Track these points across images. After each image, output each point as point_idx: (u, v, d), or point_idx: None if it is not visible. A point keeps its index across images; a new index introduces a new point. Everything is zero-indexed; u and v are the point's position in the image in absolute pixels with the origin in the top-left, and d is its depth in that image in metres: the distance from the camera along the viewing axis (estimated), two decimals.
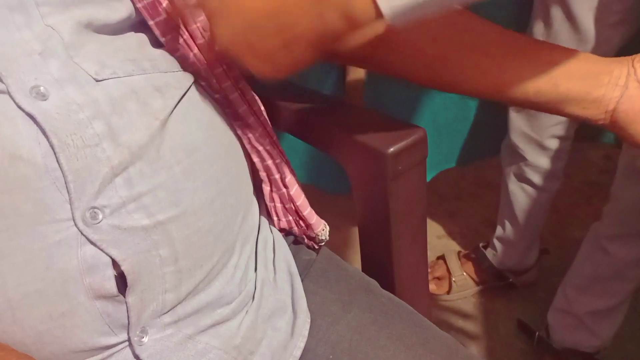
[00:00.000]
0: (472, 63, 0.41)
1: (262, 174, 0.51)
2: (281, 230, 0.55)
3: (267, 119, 0.49)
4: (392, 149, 0.47)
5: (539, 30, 0.85)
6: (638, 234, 0.82)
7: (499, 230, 1.10)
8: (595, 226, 0.89)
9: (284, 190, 0.51)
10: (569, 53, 0.40)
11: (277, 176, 0.50)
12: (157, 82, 0.40)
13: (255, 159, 0.49)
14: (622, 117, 0.38)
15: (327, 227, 0.54)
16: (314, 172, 1.20)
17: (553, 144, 0.94)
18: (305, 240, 0.55)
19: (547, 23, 0.83)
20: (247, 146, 0.49)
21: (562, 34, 0.81)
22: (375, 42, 0.42)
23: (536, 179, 0.99)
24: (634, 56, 0.39)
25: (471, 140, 1.19)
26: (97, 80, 0.36)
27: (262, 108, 0.49)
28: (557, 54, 0.40)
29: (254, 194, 0.52)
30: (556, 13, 0.81)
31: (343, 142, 0.51)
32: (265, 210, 0.54)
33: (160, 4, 0.41)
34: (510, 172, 1.03)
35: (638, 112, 0.38)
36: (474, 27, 0.42)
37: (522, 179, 1.01)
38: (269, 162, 0.49)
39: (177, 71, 0.43)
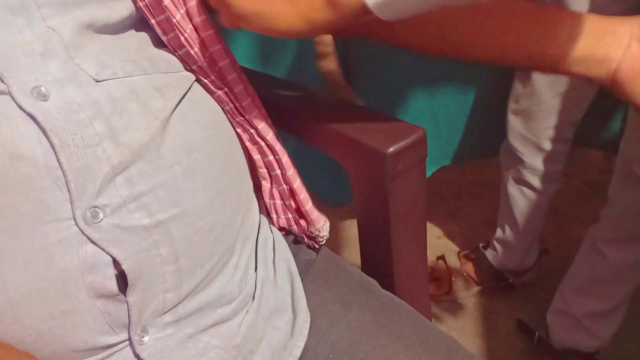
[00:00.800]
0: (476, 26, 0.42)
1: (263, 171, 0.51)
2: (280, 229, 0.55)
3: (267, 113, 0.49)
4: (392, 149, 0.47)
5: None
6: (634, 237, 0.82)
7: (498, 232, 1.10)
8: (593, 229, 0.89)
9: (285, 186, 0.51)
10: (572, 14, 0.40)
11: (278, 172, 0.50)
12: (157, 83, 0.40)
13: (256, 156, 0.49)
14: (622, 76, 0.39)
15: (328, 222, 0.54)
16: (313, 182, 1.20)
17: (551, 146, 0.94)
18: (305, 240, 0.55)
19: None
20: (248, 143, 0.49)
21: None
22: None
23: (535, 181, 0.99)
24: (637, 16, 0.39)
25: (470, 138, 1.19)
26: (98, 81, 0.37)
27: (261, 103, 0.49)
28: (561, 14, 0.40)
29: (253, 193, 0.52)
30: None
31: (343, 142, 0.51)
32: (264, 210, 0.54)
33: (162, 2, 0.41)
34: (508, 174, 1.03)
35: (638, 71, 0.38)
36: None
37: (521, 181, 1.01)
38: (270, 157, 0.49)
39: (177, 72, 0.43)
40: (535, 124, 0.93)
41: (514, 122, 0.96)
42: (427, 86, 1.09)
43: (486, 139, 1.17)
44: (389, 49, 1.10)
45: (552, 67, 0.41)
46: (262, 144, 0.49)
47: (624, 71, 0.39)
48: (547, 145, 0.94)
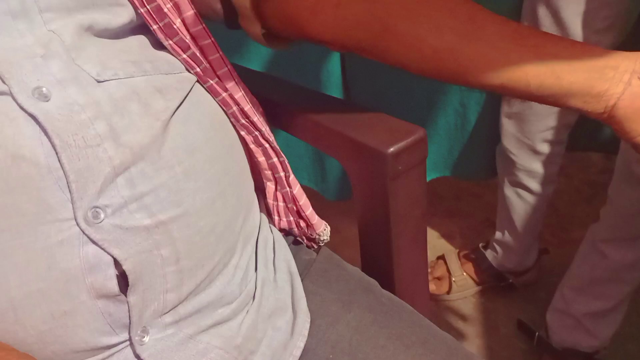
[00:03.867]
0: (476, 54, 0.41)
1: (267, 172, 0.51)
2: (281, 230, 0.55)
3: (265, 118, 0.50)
4: (392, 149, 0.47)
5: None
6: (634, 237, 0.82)
7: (497, 234, 1.10)
8: (593, 228, 0.89)
9: (288, 189, 0.51)
10: (574, 45, 0.39)
11: (282, 174, 0.50)
12: (158, 84, 0.40)
13: (261, 158, 0.50)
14: (620, 113, 0.38)
15: (328, 227, 0.54)
16: (314, 178, 1.20)
17: (545, 148, 0.94)
18: (305, 241, 0.55)
19: (536, 29, 0.83)
20: (252, 145, 0.49)
21: None
22: (377, 30, 0.42)
23: (530, 183, 0.99)
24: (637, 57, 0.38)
25: (470, 153, 1.17)
26: (99, 82, 0.37)
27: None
28: (562, 46, 0.39)
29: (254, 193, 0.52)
30: (545, 18, 0.81)
31: (343, 142, 0.51)
32: (265, 210, 0.54)
33: (163, 7, 0.41)
34: (504, 177, 1.03)
35: (637, 109, 0.38)
36: (477, 17, 0.41)
37: (516, 184, 1.01)
38: (275, 159, 0.50)
39: (178, 73, 0.43)
40: (529, 127, 0.93)
41: (508, 125, 0.96)
42: (426, 94, 1.08)
43: (488, 159, 1.15)
44: None
45: (550, 100, 0.40)
46: (267, 146, 0.49)
47: (622, 108, 0.38)
48: (541, 148, 0.94)
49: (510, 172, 1.00)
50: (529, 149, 0.95)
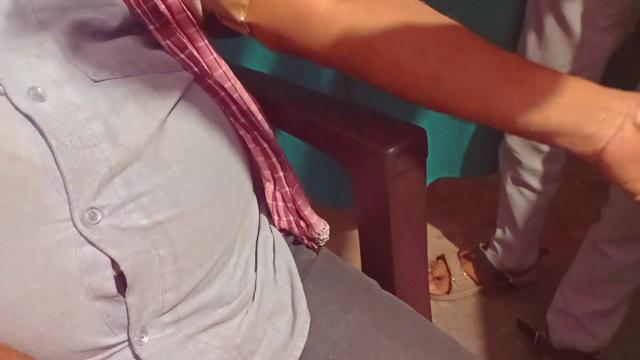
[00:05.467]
0: (460, 84, 0.38)
1: (266, 172, 0.51)
2: (281, 230, 0.55)
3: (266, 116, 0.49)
4: (392, 149, 0.47)
5: (531, 35, 0.85)
6: (635, 237, 0.82)
7: (498, 233, 1.10)
8: (594, 228, 0.89)
9: (287, 188, 0.51)
10: (566, 81, 0.37)
11: (281, 174, 0.50)
12: (155, 83, 0.40)
13: (260, 158, 0.50)
14: (609, 157, 0.36)
15: (328, 226, 0.54)
16: (313, 185, 1.19)
17: (549, 147, 0.94)
18: (305, 241, 0.55)
19: (540, 28, 0.83)
20: (252, 145, 0.49)
21: (554, 38, 0.81)
22: (360, 51, 0.41)
23: (533, 182, 0.99)
24: (637, 96, 0.36)
25: (470, 152, 1.17)
26: (95, 81, 0.37)
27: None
28: (552, 81, 0.37)
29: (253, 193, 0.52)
30: (548, 18, 0.81)
31: (343, 142, 0.51)
32: (265, 210, 0.54)
33: (159, 7, 0.41)
34: (507, 175, 1.03)
35: (627, 155, 0.36)
36: (465, 45, 0.39)
37: (520, 182, 1.01)
38: (274, 159, 0.49)
39: (175, 72, 0.43)
40: None
41: None
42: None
43: (487, 156, 1.14)
44: None
45: (536, 137, 0.38)
46: (266, 145, 0.49)
47: (611, 153, 0.36)
48: (545, 147, 0.94)
49: (514, 170, 1.00)
50: (533, 147, 0.95)
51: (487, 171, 1.16)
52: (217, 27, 0.47)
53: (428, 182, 1.19)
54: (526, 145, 0.95)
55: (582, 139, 0.36)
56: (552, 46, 0.82)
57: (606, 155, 0.36)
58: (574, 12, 0.77)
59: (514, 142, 0.97)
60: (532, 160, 0.96)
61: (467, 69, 0.38)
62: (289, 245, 0.54)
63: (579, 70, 0.82)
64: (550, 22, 0.81)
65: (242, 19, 0.43)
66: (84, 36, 0.38)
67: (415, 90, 0.41)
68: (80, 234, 0.34)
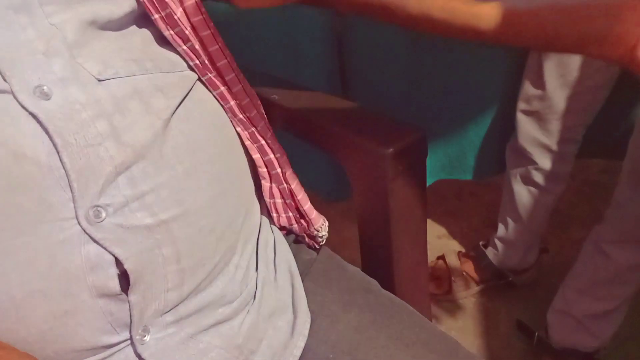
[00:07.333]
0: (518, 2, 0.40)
1: (262, 170, 0.51)
2: (281, 228, 0.55)
3: (264, 113, 0.49)
4: (392, 149, 0.47)
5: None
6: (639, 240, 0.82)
7: (500, 230, 1.10)
8: (597, 229, 0.89)
9: (285, 185, 0.51)
10: None
11: (278, 170, 0.50)
12: (159, 82, 0.40)
13: (256, 155, 0.50)
14: None
15: (326, 222, 0.54)
16: (312, 178, 1.19)
17: (562, 147, 0.94)
18: (306, 239, 0.55)
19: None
20: (248, 142, 0.49)
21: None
22: None
23: (542, 181, 0.99)
24: None
25: (471, 156, 1.17)
26: (100, 80, 0.37)
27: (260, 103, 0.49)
28: None
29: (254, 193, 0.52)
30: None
31: (343, 142, 0.51)
32: (265, 211, 0.55)
33: None
34: (516, 173, 1.02)
35: None
36: None
37: (529, 181, 1.01)
38: (271, 156, 0.50)
39: (179, 71, 0.43)
40: (547, 126, 0.93)
41: (525, 123, 0.95)
42: (427, 94, 1.08)
43: (495, 157, 1.15)
44: (387, 52, 1.07)
45: (566, 48, 0.40)
46: (262, 142, 0.49)
47: None
48: (557, 147, 0.94)
49: (524, 169, 1.00)
50: (545, 147, 0.95)
51: (494, 172, 1.16)
52: None
53: (429, 184, 1.19)
54: (538, 145, 0.95)
55: (611, 42, 0.37)
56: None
57: (638, 53, 0.37)
58: None
59: (527, 143, 0.97)
60: (543, 160, 0.97)
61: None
62: (289, 245, 0.55)
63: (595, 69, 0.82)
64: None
65: None
66: (92, 31, 0.38)
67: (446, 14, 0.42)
68: (85, 232, 0.34)
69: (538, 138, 0.95)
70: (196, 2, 0.42)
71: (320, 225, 0.53)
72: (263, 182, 0.52)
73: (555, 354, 0.98)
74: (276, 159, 0.50)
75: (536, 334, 1.00)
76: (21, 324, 0.34)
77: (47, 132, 0.33)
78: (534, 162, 0.97)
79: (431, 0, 0.42)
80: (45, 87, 0.34)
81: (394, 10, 0.43)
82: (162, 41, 0.43)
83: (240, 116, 0.47)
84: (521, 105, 0.95)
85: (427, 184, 1.19)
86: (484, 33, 0.41)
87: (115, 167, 0.35)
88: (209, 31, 0.43)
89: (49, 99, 0.34)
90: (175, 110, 0.40)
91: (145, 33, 0.43)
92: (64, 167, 0.33)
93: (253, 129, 0.48)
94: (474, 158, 1.15)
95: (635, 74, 0.38)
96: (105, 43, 0.39)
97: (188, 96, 0.42)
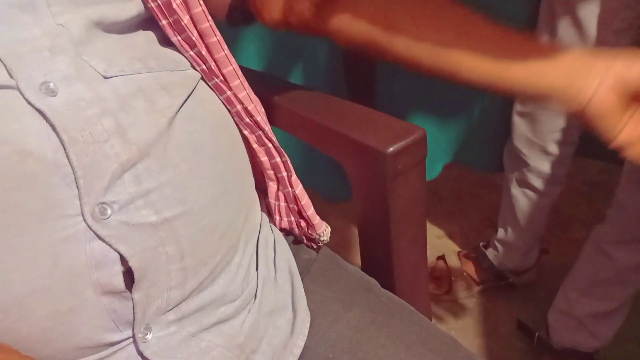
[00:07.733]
0: (474, 51, 0.43)
1: (270, 172, 0.51)
2: (282, 229, 0.55)
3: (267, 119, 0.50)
4: (391, 149, 0.47)
5: (544, 37, 0.85)
6: None
7: (500, 233, 1.10)
8: (598, 230, 0.89)
9: (290, 189, 0.51)
10: (552, 48, 0.42)
11: (284, 174, 0.51)
12: (163, 81, 0.40)
13: (263, 158, 0.50)
14: (590, 113, 0.41)
15: (329, 228, 0.54)
16: (312, 178, 1.19)
17: (556, 149, 0.94)
18: (305, 241, 0.55)
19: (553, 30, 0.83)
20: (255, 145, 0.49)
21: (568, 39, 0.81)
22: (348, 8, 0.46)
23: (538, 183, 0.99)
24: (618, 54, 0.40)
25: (473, 140, 1.17)
26: (105, 78, 0.37)
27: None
28: (547, 48, 0.43)
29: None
30: (562, 20, 0.80)
31: (343, 142, 0.52)
32: (265, 209, 0.55)
33: (173, 3, 0.41)
34: (512, 176, 1.03)
35: (604, 111, 0.40)
36: (472, 18, 0.44)
37: (524, 184, 1.01)
38: (277, 159, 0.50)
39: (183, 70, 0.43)
40: (541, 127, 0.93)
41: (520, 125, 0.95)
42: (427, 94, 1.08)
43: (494, 154, 1.15)
44: None
45: (534, 101, 0.43)
46: (270, 145, 0.49)
47: (592, 109, 0.40)
48: (553, 149, 0.94)
49: (519, 171, 1.00)
50: (540, 149, 0.95)
51: (492, 169, 1.16)
52: (239, 15, 0.50)
53: (437, 172, 1.18)
54: (533, 147, 0.95)
55: (570, 96, 0.41)
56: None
57: (588, 111, 0.41)
58: (590, 14, 0.77)
59: (521, 144, 0.96)
60: (538, 162, 0.96)
61: (474, 37, 0.44)
62: (289, 245, 0.55)
63: None
64: (564, 24, 0.80)
65: None
66: (96, 32, 0.38)
67: (402, 48, 0.46)
68: (90, 229, 0.34)
69: (532, 139, 0.94)
70: (203, 10, 0.43)
71: (323, 231, 0.53)
72: (271, 184, 0.52)
73: (556, 354, 0.98)
74: (282, 162, 0.50)
75: (536, 334, 1.00)
76: (24, 322, 0.34)
77: (53, 129, 0.33)
78: (529, 165, 0.97)
79: (421, 48, 0.46)
80: (51, 84, 0.34)
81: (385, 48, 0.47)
82: (165, 41, 0.44)
83: (247, 120, 0.47)
84: (517, 107, 0.95)
85: (437, 172, 1.18)
86: (462, 78, 0.45)
87: (121, 164, 0.35)
88: (215, 38, 0.44)
89: (55, 96, 0.34)
90: (179, 108, 0.40)
91: (149, 34, 0.43)
92: (70, 164, 0.34)
93: (260, 132, 0.48)
94: (478, 149, 1.15)
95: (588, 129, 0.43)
96: (109, 42, 0.39)
97: (191, 95, 0.42)
